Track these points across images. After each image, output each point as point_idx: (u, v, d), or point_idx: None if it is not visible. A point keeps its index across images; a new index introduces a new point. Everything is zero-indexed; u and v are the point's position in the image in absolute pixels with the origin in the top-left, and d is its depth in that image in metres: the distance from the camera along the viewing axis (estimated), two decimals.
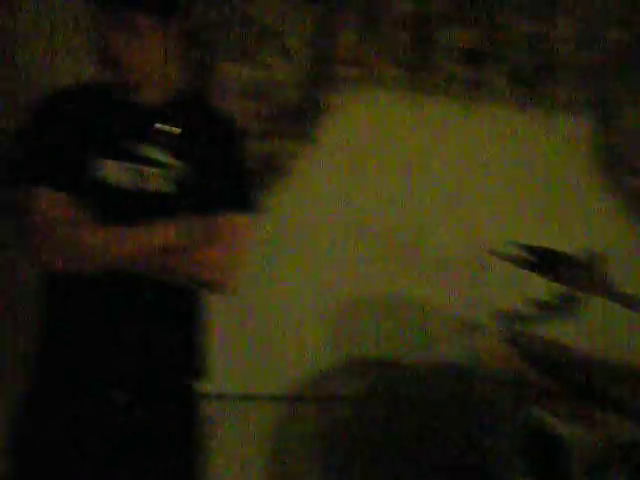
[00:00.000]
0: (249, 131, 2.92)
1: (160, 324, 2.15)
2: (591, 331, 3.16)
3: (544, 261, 2.47)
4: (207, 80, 2.96)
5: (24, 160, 2.09)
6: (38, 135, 2.08)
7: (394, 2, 3.12)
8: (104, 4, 2.00)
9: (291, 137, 3.07)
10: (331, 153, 3.27)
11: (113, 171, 2.08)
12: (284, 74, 3.06)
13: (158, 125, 2.12)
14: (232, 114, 2.37)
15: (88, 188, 2.06)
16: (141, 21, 2.02)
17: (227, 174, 2.20)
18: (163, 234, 2.06)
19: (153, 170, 2.10)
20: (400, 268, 3.36)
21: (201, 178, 2.15)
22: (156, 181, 2.11)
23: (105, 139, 2.09)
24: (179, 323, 2.20)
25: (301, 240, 3.29)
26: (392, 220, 3.37)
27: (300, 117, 3.08)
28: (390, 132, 3.33)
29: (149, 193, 2.10)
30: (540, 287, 2.61)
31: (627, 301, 2.36)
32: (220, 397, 3.01)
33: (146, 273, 2.08)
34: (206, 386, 2.27)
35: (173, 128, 2.15)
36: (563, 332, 2.75)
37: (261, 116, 3.02)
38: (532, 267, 2.49)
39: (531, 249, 2.49)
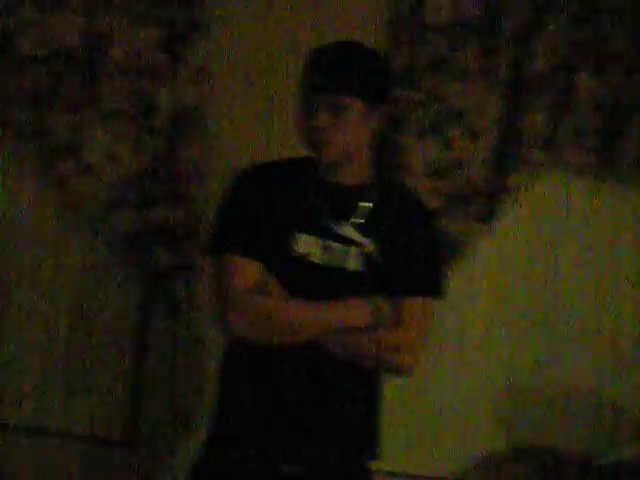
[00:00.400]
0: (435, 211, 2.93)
1: (340, 401, 2.15)
2: None
3: None
4: (395, 158, 3.00)
5: (223, 228, 2.14)
6: (239, 205, 2.14)
7: (586, 85, 3.08)
8: (320, 88, 2.05)
9: (472, 217, 3.05)
10: (507, 235, 3.25)
11: (307, 246, 2.11)
12: (469, 153, 3.06)
13: (356, 204, 2.15)
14: (420, 195, 2.39)
15: (282, 261, 2.09)
16: (354, 105, 2.06)
17: (418, 256, 2.19)
18: (354, 312, 2.07)
19: (346, 248, 2.12)
20: (569, 356, 3.30)
21: (391, 259, 2.15)
22: (349, 259, 2.12)
23: (302, 214, 2.12)
24: (358, 402, 2.19)
25: (464, 323, 3.28)
26: (565, 308, 3.31)
27: (483, 197, 3.07)
28: (571, 218, 3.29)
29: (341, 270, 2.11)
30: None
31: None
32: (390, 474, 3.03)
33: (331, 349, 2.08)
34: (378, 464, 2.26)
35: (367, 206, 2.16)
36: None
37: (444, 195, 3.03)
38: None
39: None
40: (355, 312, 2.07)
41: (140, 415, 3.17)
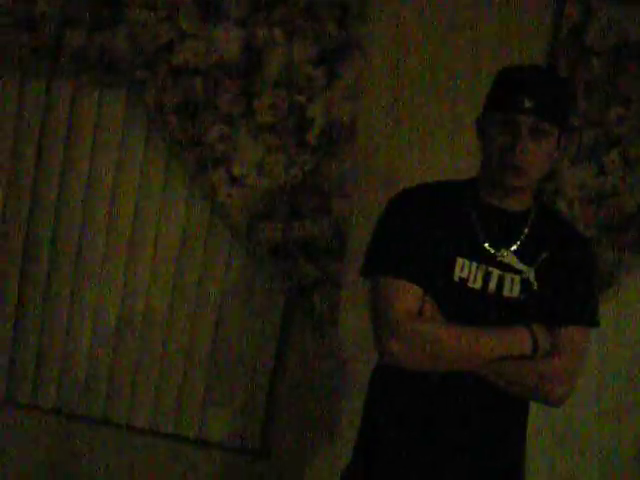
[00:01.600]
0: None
1: (493, 433, 2.10)
2: None
3: None
4: (550, 183, 2.94)
5: (383, 249, 2.12)
6: (399, 226, 2.11)
7: None
8: (525, 110, 2.00)
9: (626, 247, 2.96)
10: None
11: (467, 271, 2.07)
12: (625, 181, 2.98)
13: (517, 230, 2.11)
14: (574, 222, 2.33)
15: (442, 286, 2.06)
16: (554, 132, 2.03)
17: (575, 285, 2.14)
18: (515, 340, 2.03)
19: (505, 274, 2.09)
20: None
21: (549, 286, 2.10)
22: (507, 285, 2.09)
23: (463, 238, 2.09)
24: (511, 434, 2.15)
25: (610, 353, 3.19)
26: None
27: (637, 227, 2.98)
28: None
29: (500, 297, 2.08)
30: None
31: None
32: None
33: (488, 377, 2.04)
34: None
35: (527, 233, 2.12)
36: None
37: (598, 223, 2.95)
38: None
39: None
40: (516, 340, 2.03)
41: (274, 425, 3.19)
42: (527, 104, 1.98)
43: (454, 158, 2.97)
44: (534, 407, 2.20)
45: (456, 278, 2.06)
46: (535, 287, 2.09)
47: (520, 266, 2.10)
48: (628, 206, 2.98)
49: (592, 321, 2.15)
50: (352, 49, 2.97)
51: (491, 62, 2.61)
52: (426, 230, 2.08)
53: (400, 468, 2.10)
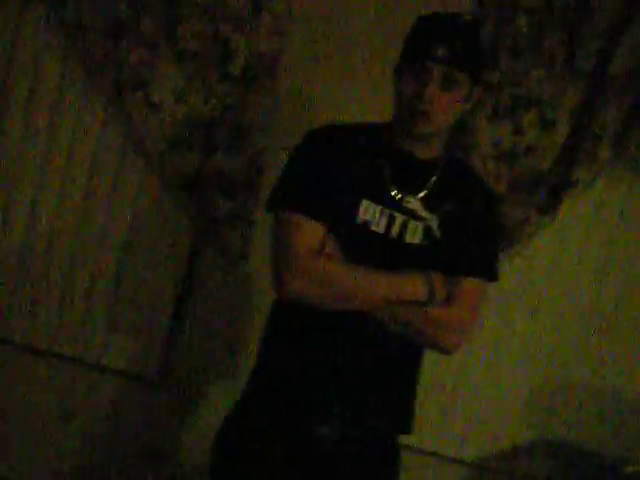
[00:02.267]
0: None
1: (385, 372, 2.13)
2: None
3: None
4: (465, 137, 2.96)
5: (289, 184, 2.12)
6: (308, 163, 2.11)
7: None
8: (436, 58, 1.99)
9: (534, 207, 3.01)
10: (564, 229, 3.22)
11: (371, 214, 2.08)
12: (539, 142, 3.01)
13: (425, 178, 2.12)
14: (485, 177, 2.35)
15: (345, 226, 2.07)
16: (465, 82, 2.02)
17: (478, 238, 2.16)
18: (410, 285, 2.05)
19: (409, 220, 2.10)
20: (604, 356, 3.27)
21: (452, 237, 2.12)
22: (410, 231, 2.10)
23: (370, 181, 2.10)
24: (403, 375, 2.18)
25: (511, 312, 3.26)
26: (615, 307, 3.28)
27: (546, 188, 3.02)
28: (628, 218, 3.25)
29: (401, 242, 2.09)
30: None
31: None
32: (416, 451, 3.05)
33: (382, 320, 2.07)
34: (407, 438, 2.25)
35: (435, 182, 2.14)
36: None
37: (509, 181, 2.98)
38: None
39: None
40: (411, 286, 2.05)
41: (175, 357, 3.20)
42: (439, 52, 1.98)
43: (376, 99, 2.95)
44: None
45: (359, 220, 2.07)
46: (437, 236, 2.11)
47: (424, 214, 2.11)
48: (540, 167, 3.02)
49: (490, 275, 2.18)
50: None
51: (420, 7, 2.59)
52: (333, 169, 2.08)
53: (292, 402, 2.12)
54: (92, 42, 2.91)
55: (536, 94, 3.01)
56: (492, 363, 3.28)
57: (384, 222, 2.08)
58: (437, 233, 2.11)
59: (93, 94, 3.05)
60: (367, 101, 2.98)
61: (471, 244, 2.14)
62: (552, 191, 3.02)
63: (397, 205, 2.09)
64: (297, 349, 2.13)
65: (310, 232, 2.04)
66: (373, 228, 2.07)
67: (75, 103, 3.07)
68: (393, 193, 2.10)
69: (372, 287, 2.03)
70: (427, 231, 2.11)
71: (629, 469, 3.02)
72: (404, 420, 2.21)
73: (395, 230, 2.09)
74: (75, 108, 3.07)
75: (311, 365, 2.10)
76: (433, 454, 3.27)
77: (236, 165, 2.98)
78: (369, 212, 2.08)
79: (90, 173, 3.11)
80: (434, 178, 2.13)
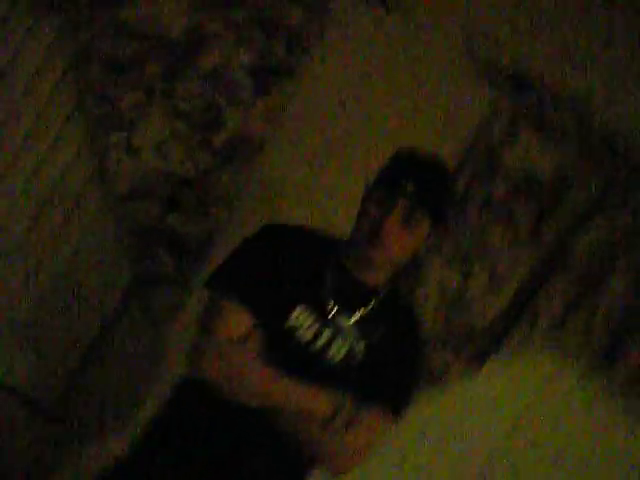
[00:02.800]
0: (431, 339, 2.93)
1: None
2: None
3: None
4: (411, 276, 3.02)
5: (232, 271, 2.14)
6: (256, 255, 2.14)
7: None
8: (406, 194, 2.05)
9: (462, 357, 3.05)
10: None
11: (301, 320, 2.11)
12: (483, 299, 3.07)
13: (363, 303, 2.15)
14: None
15: (274, 325, 2.09)
16: (425, 223, 2.08)
17: (396, 372, 2.19)
18: (318, 402, 2.06)
19: (337, 337, 2.13)
20: None
21: (372, 364, 2.15)
22: (334, 349, 2.13)
23: (311, 291, 2.12)
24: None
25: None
26: None
27: (482, 341, 3.07)
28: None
29: (323, 356, 2.11)
30: None
31: None
32: None
33: (281, 424, 2.07)
34: None
35: (371, 308, 2.17)
36: None
37: (445, 329, 3.03)
38: None
39: None
40: (317, 402, 2.06)
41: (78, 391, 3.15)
42: (408, 187, 2.04)
43: (350, 203, 3.01)
44: None
45: (288, 324, 2.09)
46: (358, 359, 2.14)
47: (352, 336, 2.15)
48: (477, 323, 3.07)
49: (396, 412, 2.19)
50: (293, 73, 3.00)
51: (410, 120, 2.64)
52: (277, 268, 2.12)
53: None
54: (94, 72, 2.95)
55: (493, 257, 3.08)
56: None
57: (311, 333, 2.11)
58: (359, 357, 2.14)
59: (79, 121, 3.07)
60: (339, 202, 3.02)
61: (387, 376, 2.16)
62: (485, 345, 3.06)
63: (329, 320, 2.12)
64: (183, 425, 2.13)
65: (236, 320, 2.06)
66: (299, 335, 2.10)
67: (57, 123, 3.09)
68: (329, 307, 2.13)
69: (279, 392, 2.03)
70: (350, 353, 2.13)
71: None
72: None
73: (320, 343, 2.11)
74: (56, 129, 3.09)
75: (186, 446, 2.10)
76: None
77: (192, 230, 3.00)
78: (300, 319, 2.10)
79: (49, 193, 3.12)
80: (371, 305, 2.17)
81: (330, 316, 2.13)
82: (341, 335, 2.13)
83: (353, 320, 2.15)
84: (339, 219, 2.32)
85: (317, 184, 3.08)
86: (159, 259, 3.00)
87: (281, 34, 2.98)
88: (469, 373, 3.10)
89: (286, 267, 2.12)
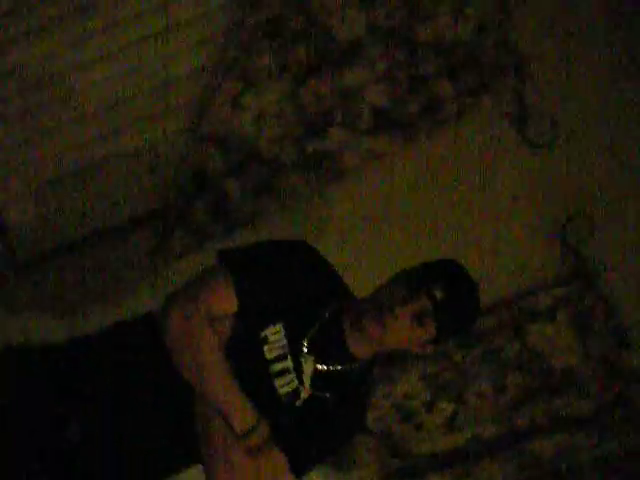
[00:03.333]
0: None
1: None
2: None
3: None
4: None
5: (245, 257, 2.15)
6: (278, 258, 2.15)
7: None
8: (426, 310, 2.03)
9: None
10: None
11: (274, 338, 2.10)
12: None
13: (337, 364, 2.15)
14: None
15: (249, 326, 2.08)
16: (430, 326, 2.05)
17: (322, 436, 2.17)
18: (242, 414, 2.04)
19: (291, 372, 2.12)
20: None
21: (305, 417, 2.14)
22: (284, 382, 2.11)
23: (300, 318, 2.12)
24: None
25: None
26: None
27: None
28: None
29: (271, 381, 2.10)
30: None
31: None
32: None
33: (197, 410, 2.06)
34: None
35: (338, 370, 2.16)
36: None
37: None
38: None
39: None
40: (243, 414, 2.04)
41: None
42: (437, 293, 2.03)
43: None
44: None
45: (264, 333, 2.09)
46: (296, 404, 2.12)
47: (306, 382, 2.13)
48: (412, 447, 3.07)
49: (297, 471, 2.15)
50: None
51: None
52: (288, 281, 2.12)
53: None
54: None
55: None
56: None
57: (275, 354, 2.10)
58: (298, 403, 2.13)
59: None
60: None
61: (311, 437, 2.14)
62: None
63: (297, 353, 2.11)
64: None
65: (222, 300, 2.06)
66: (265, 349, 2.09)
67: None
68: (304, 343, 2.12)
69: (217, 383, 2.03)
70: (293, 393, 2.12)
71: None
72: None
73: (275, 368, 2.10)
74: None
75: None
76: None
77: (242, 203, 3.03)
78: (275, 336, 2.09)
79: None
80: (339, 368, 2.16)
81: (299, 351, 2.12)
82: (296, 374, 2.12)
83: (316, 368, 2.13)
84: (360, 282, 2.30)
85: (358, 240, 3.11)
86: (197, 205, 3.02)
87: None
88: None
89: (294, 285, 2.11)
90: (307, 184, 3.04)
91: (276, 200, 3.03)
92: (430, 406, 3.05)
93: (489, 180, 3.20)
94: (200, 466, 2.15)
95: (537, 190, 3.19)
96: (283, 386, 2.10)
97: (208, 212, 3.03)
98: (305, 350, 2.12)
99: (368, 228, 3.12)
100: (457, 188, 3.20)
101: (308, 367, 2.13)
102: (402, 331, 2.05)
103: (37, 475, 2.06)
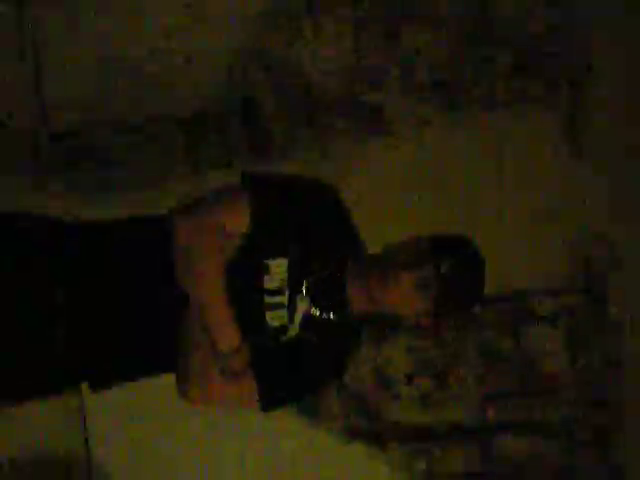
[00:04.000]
0: None
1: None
2: None
3: None
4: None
5: (271, 187, 2.15)
6: (298, 194, 2.15)
7: None
8: (434, 268, 2.04)
9: None
10: None
11: (276, 271, 2.10)
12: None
13: (336, 311, 2.16)
14: None
15: (257, 253, 2.10)
16: (430, 297, 2.06)
17: (294, 376, 2.18)
18: (229, 335, 2.06)
19: (283, 309, 2.13)
20: None
21: (283, 356, 2.15)
22: (275, 314, 2.13)
23: (310, 257, 2.13)
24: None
25: None
26: None
27: None
28: None
29: (262, 314, 2.12)
30: None
31: None
32: None
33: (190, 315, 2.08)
34: None
35: (329, 317, 2.17)
36: None
37: None
38: None
39: None
40: (228, 333, 2.06)
41: None
42: (443, 266, 2.04)
43: None
44: None
45: (268, 262, 2.10)
46: (280, 341, 2.13)
47: (296, 320, 2.14)
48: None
49: (264, 405, 2.16)
50: None
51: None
52: (308, 220, 2.13)
53: None
54: None
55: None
56: None
57: (273, 286, 2.11)
58: (283, 339, 2.14)
59: None
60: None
61: (286, 373, 2.16)
62: None
63: (294, 292, 2.12)
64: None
65: (235, 217, 2.06)
66: (265, 278, 2.10)
67: None
68: (305, 284, 2.13)
69: (210, 295, 2.04)
70: (281, 328, 2.13)
71: None
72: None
73: (270, 299, 2.11)
74: None
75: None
76: None
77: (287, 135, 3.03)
78: (278, 268, 2.10)
79: None
80: (332, 318, 2.16)
81: (298, 291, 2.13)
82: (288, 311, 2.13)
83: (310, 311, 2.15)
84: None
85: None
86: (234, 123, 3.01)
87: None
88: None
89: (310, 226, 2.12)
90: (349, 129, 3.02)
91: (313, 137, 3.01)
92: (410, 378, 3.07)
93: (527, 175, 3.18)
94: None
95: (572, 199, 3.18)
96: (273, 319, 2.12)
97: (244, 134, 3.02)
98: (303, 291, 2.13)
99: (394, 191, 3.12)
100: (493, 176, 3.18)
101: (301, 308, 2.14)
102: (402, 295, 2.06)
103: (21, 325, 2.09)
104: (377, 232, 2.27)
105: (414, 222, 2.98)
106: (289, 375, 2.17)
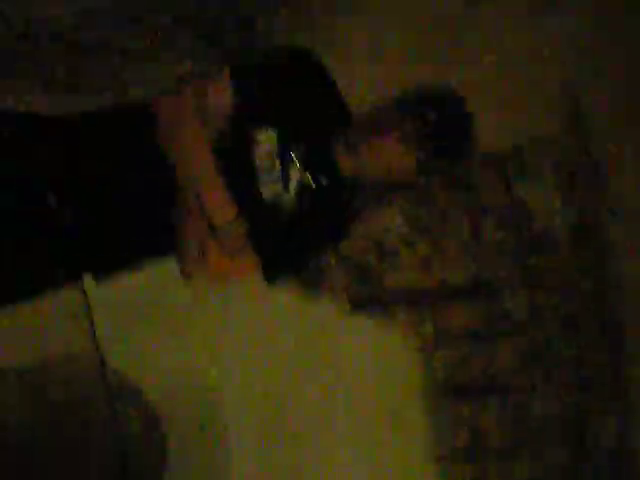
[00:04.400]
0: None
1: None
2: None
3: None
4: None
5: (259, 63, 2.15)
6: (287, 61, 2.15)
7: None
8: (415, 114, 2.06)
9: None
10: None
11: (266, 135, 2.11)
12: None
13: (330, 179, 2.18)
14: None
15: (246, 124, 2.10)
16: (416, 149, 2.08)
17: (293, 237, 2.22)
18: (225, 209, 2.09)
19: (276, 173, 2.14)
20: None
21: (285, 224, 2.18)
22: (269, 178, 2.14)
23: (304, 122, 2.14)
24: None
25: None
26: None
27: None
28: None
29: (254, 174, 2.13)
30: None
31: None
32: None
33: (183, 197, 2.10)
34: None
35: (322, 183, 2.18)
36: None
37: None
38: None
39: None
40: (222, 208, 2.08)
41: None
42: (428, 115, 2.05)
43: None
44: None
45: (255, 134, 2.10)
46: (277, 208, 2.15)
47: (291, 188, 2.15)
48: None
49: (268, 277, 2.20)
50: None
51: None
52: (300, 88, 2.13)
53: None
54: None
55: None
56: None
57: (264, 157, 2.11)
58: (279, 208, 2.15)
59: None
60: None
61: (285, 242, 2.18)
62: None
63: (286, 160, 2.13)
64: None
65: (217, 92, 2.06)
66: (255, 149, 2.10)
67: None
68: (295, 152, 2.14)
69: (196, 170, 2.06)
70: (275, 199, 2.13)
71: None
72: None
73: (263, 170, 2.12)
74: None
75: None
76: None
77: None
78: (267, 139, 2.11)
79: None
80: (325, 184, 2.18)
81: (289, 159, 2.14)
82: (282, 180, 2.14)
83: (303, 178, 2.16)
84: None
85: None
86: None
87: None
88: None
89: (294, 94, 2.11)
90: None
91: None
92: (407, 244, 3.10)
93: None
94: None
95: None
96: (268, 189, 2.14)
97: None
98: (294, 159, 2.14)
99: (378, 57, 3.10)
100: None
101: (294, 176, 2.16)
102: (388, 154, 2.07)
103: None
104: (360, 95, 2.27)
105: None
106: (288, 244, 2.19)
